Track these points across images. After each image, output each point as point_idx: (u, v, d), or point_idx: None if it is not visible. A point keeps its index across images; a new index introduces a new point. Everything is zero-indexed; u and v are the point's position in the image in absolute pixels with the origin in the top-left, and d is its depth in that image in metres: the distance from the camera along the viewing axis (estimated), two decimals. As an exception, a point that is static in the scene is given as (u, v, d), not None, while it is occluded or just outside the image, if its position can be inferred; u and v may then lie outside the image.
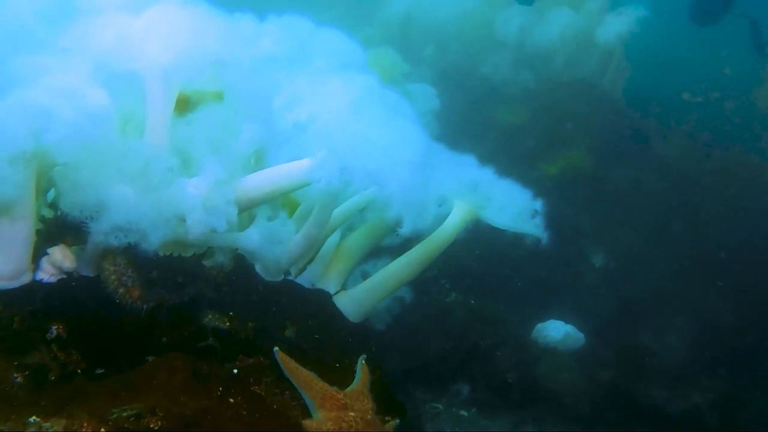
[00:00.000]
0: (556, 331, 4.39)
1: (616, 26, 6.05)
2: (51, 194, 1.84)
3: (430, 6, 6.99)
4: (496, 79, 6.61)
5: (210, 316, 2.07)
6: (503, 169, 6.07)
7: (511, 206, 2.48)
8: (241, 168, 2.02)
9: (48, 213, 1.77)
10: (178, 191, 1.76)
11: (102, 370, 1.75)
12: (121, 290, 1.83)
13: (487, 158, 6.23)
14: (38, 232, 1.76)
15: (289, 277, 2.41)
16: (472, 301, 4.30)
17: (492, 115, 6.33)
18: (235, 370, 1.89)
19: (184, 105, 2.14)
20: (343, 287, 2.51)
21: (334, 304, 2.43)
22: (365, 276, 2.57)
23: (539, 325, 4.52)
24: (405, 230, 1.97)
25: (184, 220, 1.79)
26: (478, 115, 6.36)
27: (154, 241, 1.69)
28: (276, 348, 1.91)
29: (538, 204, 2.62)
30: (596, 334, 4.29)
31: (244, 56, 2.01)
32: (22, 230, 1.65)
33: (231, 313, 2.10)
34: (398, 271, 2.45)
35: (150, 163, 1.71)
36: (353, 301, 2.42)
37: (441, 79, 6.84)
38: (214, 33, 1.81)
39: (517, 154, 5.86)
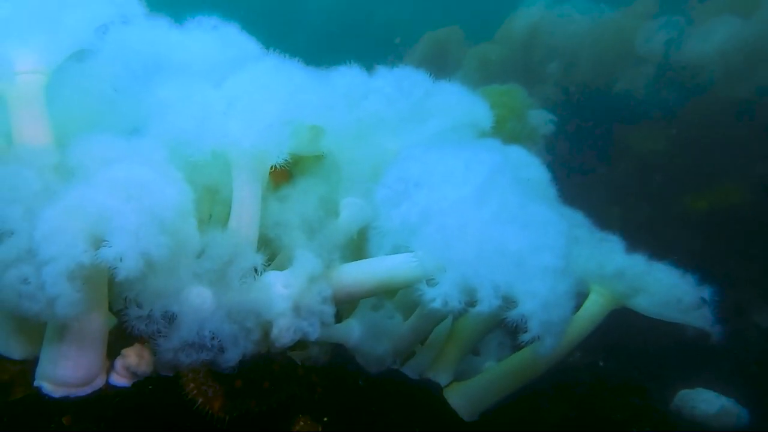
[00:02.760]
0: (708, 403, 3.66)
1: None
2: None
3: (559, 19, 6.37)
4: (633, 99, 5.89)
5: (302, 423, 1.76)
6: (637, 201, 5.34)
7: (670, 295, 1.96)
8: (341, 254, 1.69)
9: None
10: (263, 292, 1.46)
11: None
12: (201, 400, 1.57)
13: (619, 188, 5.51)
14: (112, 330, 1.54)
15: (394, 366, 2.07)
16: (601, 363, 3.70)
17: (627, 140, 5.62)
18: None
19: (281, 176, 1.85)
20: (455, 377, 2.12)
21: (445, 400, 2.05)
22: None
23: (684, 392, 3.82)
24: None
25: (271, 327, 1.49)
26: (609, 140, 5.68)
27: (232, 358, 1.40)
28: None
29: (706, 291, 2.08)
30: (765, 412, 3.52)
31: (346, 121, 1.68)
32: (92, 333, 1.42)
33: (326, 419, 1.79)
34: (523, 366, 2.01)
35: (232, 262, 1.42)
36: (468, 398, 2.02)
37: (567, 101, 6.24)
38: (310, 97, 1.48)
39: (655, 186, 5.12)
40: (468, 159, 1.45)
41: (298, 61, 1.70)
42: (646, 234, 4.81)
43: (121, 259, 1.16)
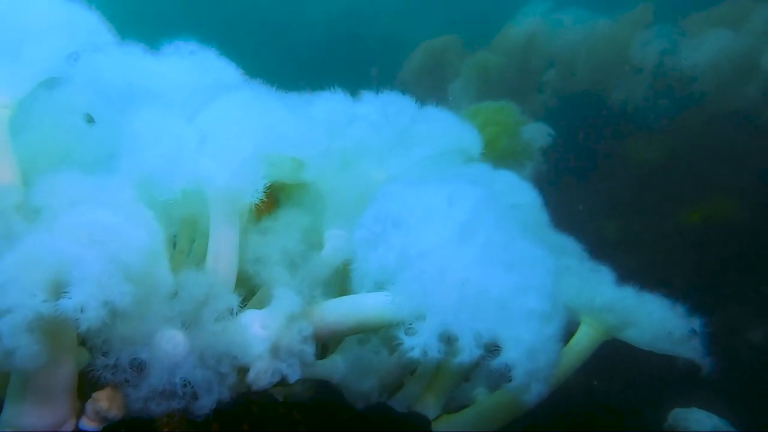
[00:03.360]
0: (700, 423, 3.60)
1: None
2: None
3: (555, 28, 6.32)
4: (629, 108, 5.84)
5: (282, 464, 1.69)
6: (632, 214, 5.26)
7: (660, 328, 1.90)
8: (324, 289, 1.62)
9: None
10: (239, 334, 1.38)
11: None
12: (176, 445, 1.49)
13: (614, 200, 5.43)
14: (82, 373, 1.46)
15: (382, 399, 1.99)
16: (595, 383, 3.64)
17: (622, 150, 5.55)
18: None
19: (266, 204, 1.78)
20: (444, 410, 2.05)
21: (433, 434, 1.98)
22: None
23: (677, 411, 3.75)
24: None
25: (247, 370, 1.42)
26: (606, 150, 5.61)
27: (206, 405, 1.32)
28: None
29: (696, 323, 2.01)
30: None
31: (327, 152, 1.60)
32: (58, 381, 1.35)
33: (307, 458, 1.71)
34: (515, 400, 1.94)
35: (206, 303, 1.35)
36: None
37: (564, 108, 6.18)
38: (288, 129, 1.41)
39: (651, 198, 5.05)
40: (451, 194, 1.38)
41: (280, 87, 1.64)
42: (640, 248, 4.76)
43: (81, 310, 1.09)
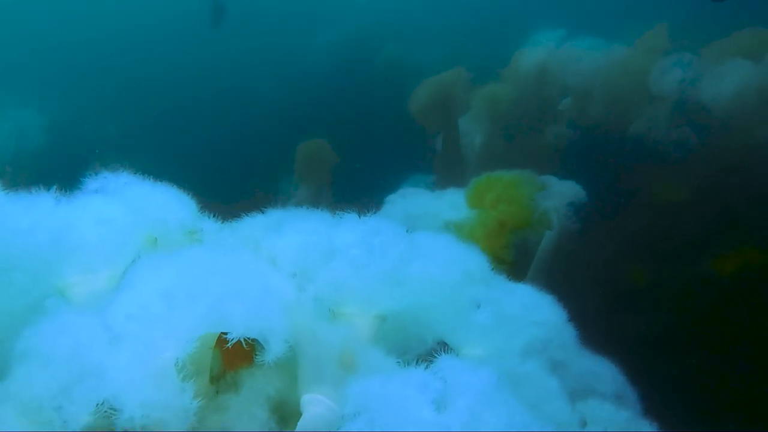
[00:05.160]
0: None
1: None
2: None
3: (568, 57, 5.92)
4: (650, 141, 5.40)
5: None
6: (656, 263, 4.80)
7: None
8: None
9: None
10: None
11: None
12: None
13: (639, 243, 4.98)
14: None
15: None
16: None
17: (642, 187, 5.12)
18: None
19: (238, 357, 1.41)
20: None
21: None
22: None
23: None
24: None
25: None
26: (628, 187, 5.18)
27: None
28: None
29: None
30: None
31: (297, 303, 1.24)
32: None
33: None
34: None
35: None
36: None
37: (581, 141, 5.77)
38: (235, 309, 1.04)
39: (676, 243, 4.60)
40: (438, 392, 1.00)
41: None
42: (668, 299, 4.32)
43: None
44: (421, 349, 1.59)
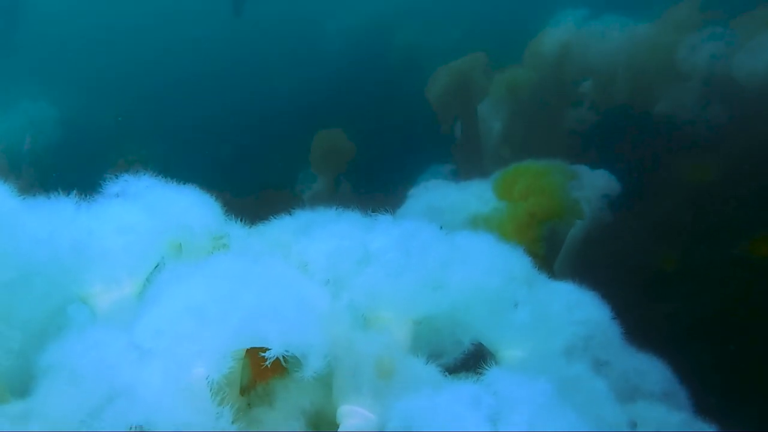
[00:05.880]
0: None
1: None
2: None
3: (590, 37, 5.72)
4: (677, 121, 5.21)
5: None
6: (690, 243, 4.64)
7: None
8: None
9: None
10: None
11: None
12: None
13: (668, 226, 4.83)
14: None
15: None
16: None
17: (671, 170, 4.95)
18: None
19: (269, 372, 1.34)
20: None
21: None
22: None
23: None
24: None
25: None
26: (653, 170, 5.01)
27: None
28: None
29: None
30: None
31: (331, 313, 1.17)
32: None
33: None
34: None
35: None
36: None
37: (604, 124, 5.61)
38: (269, 326, 0.97)
39: (708, 226, 4.43)
40: (491, 408, 0.93)
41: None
42: (702, 283, 4.18)
43: None
44: (457, 352, 1.51)
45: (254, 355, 1.16)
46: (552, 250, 3.15)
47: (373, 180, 5.56)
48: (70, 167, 5.55)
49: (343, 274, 1.24)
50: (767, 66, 4.59)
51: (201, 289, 0.96)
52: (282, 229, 1.37)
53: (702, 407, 1.69)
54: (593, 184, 3.30)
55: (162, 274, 1.02)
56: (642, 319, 3.72)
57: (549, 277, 1.63)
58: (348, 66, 7.52)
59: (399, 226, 1.30)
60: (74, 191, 1.10)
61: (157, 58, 7.39)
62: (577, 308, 1.61)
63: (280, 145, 6.37)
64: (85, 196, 1.12)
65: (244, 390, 1.30)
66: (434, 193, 2.78)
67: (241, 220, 1.45)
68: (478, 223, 2.41)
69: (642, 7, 5.76)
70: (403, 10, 8.19)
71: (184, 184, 1.29)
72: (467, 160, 5.52)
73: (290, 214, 1.42)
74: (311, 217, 1.40)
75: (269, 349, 1.00)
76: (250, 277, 1.00)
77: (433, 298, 1.29)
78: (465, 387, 0.98)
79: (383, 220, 1.33)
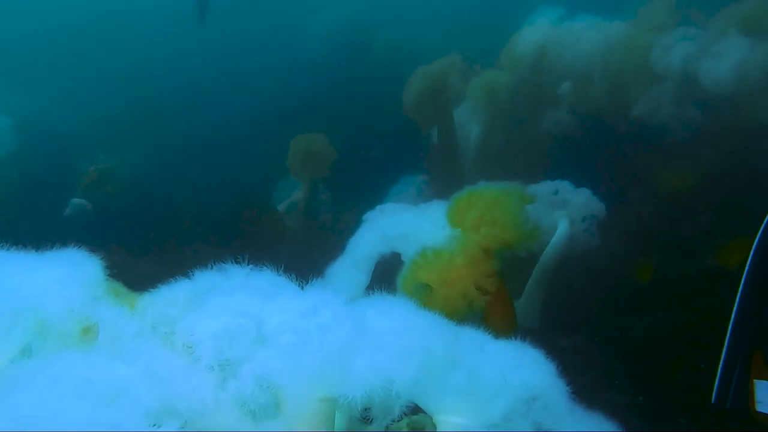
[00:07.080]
0: None
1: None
2: None
3: (568, 37, 5.54)
4: (654, 123, 5.07)
5: None
6: (665, 252, 4.49)
7: None
8: None
9: None
10: None
11: None
12: None
13: (644, 233, 4.67)
14: None
15: None
16: None
17: (648, 175, 4.81)
18: None
19: None
20: None
21: None
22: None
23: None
24: None
25: None
26: (632, 172, 4.87)
27: None
28: None
29: None
30: None
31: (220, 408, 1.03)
32: None
33: None
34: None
35: None
36: None
37: (583, 123, 5.46)
38: None
39: (683, 234, 4.29)
40: None
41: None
42: (677, 297, 4.05)
43: None
44: (387, 419, 1.38)
45: None
46: (515, 269, 3.01)
47: (348, 191, 5.42)
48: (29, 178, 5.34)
49: (233, 358, 1.10)
50: (730, 73, 4.41)
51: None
52: (172, 299, 1.23)
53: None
54: (576, 204, 3.16)
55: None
56: (615, 331, 3.59)
57: (492, 337, 1.51)
58: (326, 68, 7.34)
59: (302, 299, 1.17)
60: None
61: (130, 64, 7.18)
62: (518, 370, 1.49)
63: (258, 153, 6.19)
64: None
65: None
66: (389, 219, 2.64)
67: (141, 283, 1.31)
68: (427, 257, 2.28)
69: (618, 4, 5.59)
70: (383, 9, 8.00)
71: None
72: (443, 169, 5.35)
73: (189, 278, 1.28)
74: (211, 280, 1.26)
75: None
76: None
77: (339, 380, 1.16)
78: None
79: (287, 290, 1.20)
